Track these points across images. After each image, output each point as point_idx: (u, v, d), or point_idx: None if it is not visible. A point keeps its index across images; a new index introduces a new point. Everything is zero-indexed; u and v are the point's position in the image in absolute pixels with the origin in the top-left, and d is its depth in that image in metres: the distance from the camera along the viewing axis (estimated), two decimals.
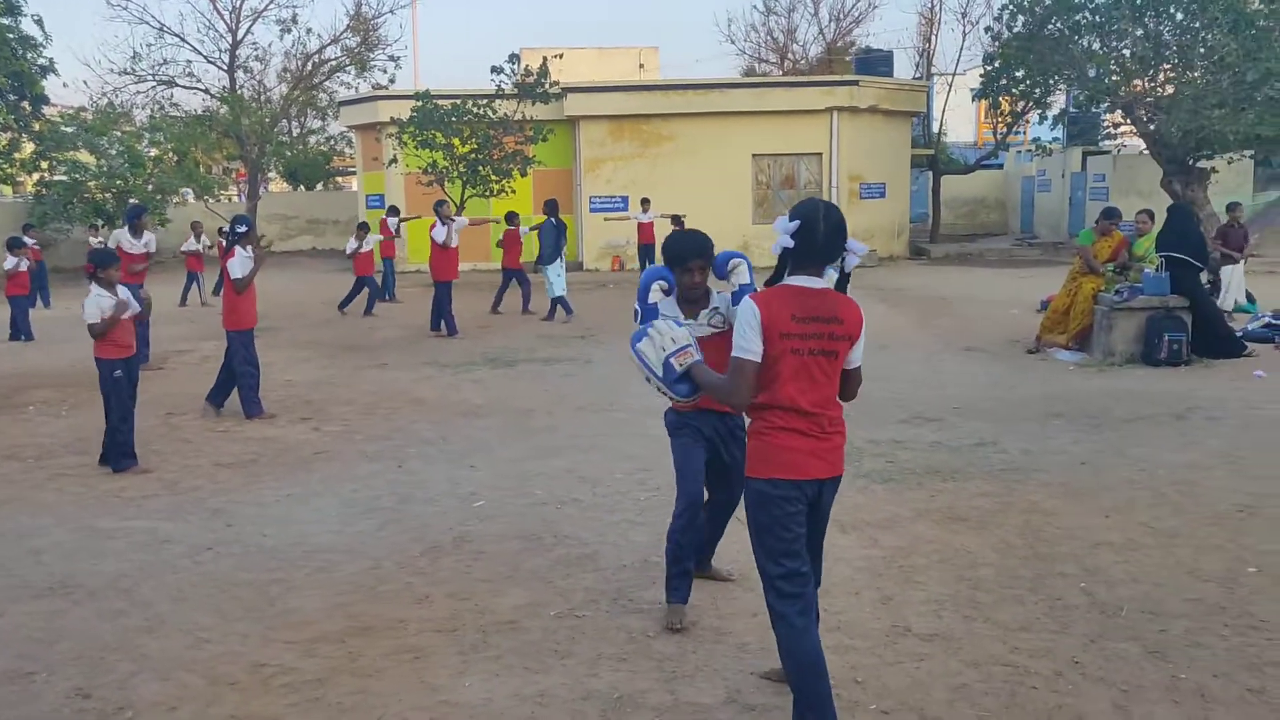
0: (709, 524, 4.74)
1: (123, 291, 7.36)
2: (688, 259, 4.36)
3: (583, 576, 5.10)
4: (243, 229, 8.83)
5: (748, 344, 3.30)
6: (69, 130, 26.67)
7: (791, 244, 3.32)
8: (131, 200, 22.64)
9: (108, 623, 4.66)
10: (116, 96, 33.70)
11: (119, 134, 28.76)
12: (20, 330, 14.36)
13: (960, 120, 36.77)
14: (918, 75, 35.14)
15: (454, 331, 13.94)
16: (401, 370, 11.36)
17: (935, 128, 33.05)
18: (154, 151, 29.30)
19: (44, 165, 25.55)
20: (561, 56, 23.01)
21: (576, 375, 10.87)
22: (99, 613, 4.78)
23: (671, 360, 3.76)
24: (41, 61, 22.38)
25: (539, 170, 24.18)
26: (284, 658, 4.25)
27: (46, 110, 24.07)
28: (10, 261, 14.48)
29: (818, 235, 3.31)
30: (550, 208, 15.67)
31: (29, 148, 24.07)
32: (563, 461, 7.30)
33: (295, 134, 38.56)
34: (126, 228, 11.62)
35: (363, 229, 17.34)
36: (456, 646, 4.32)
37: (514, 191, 21.87)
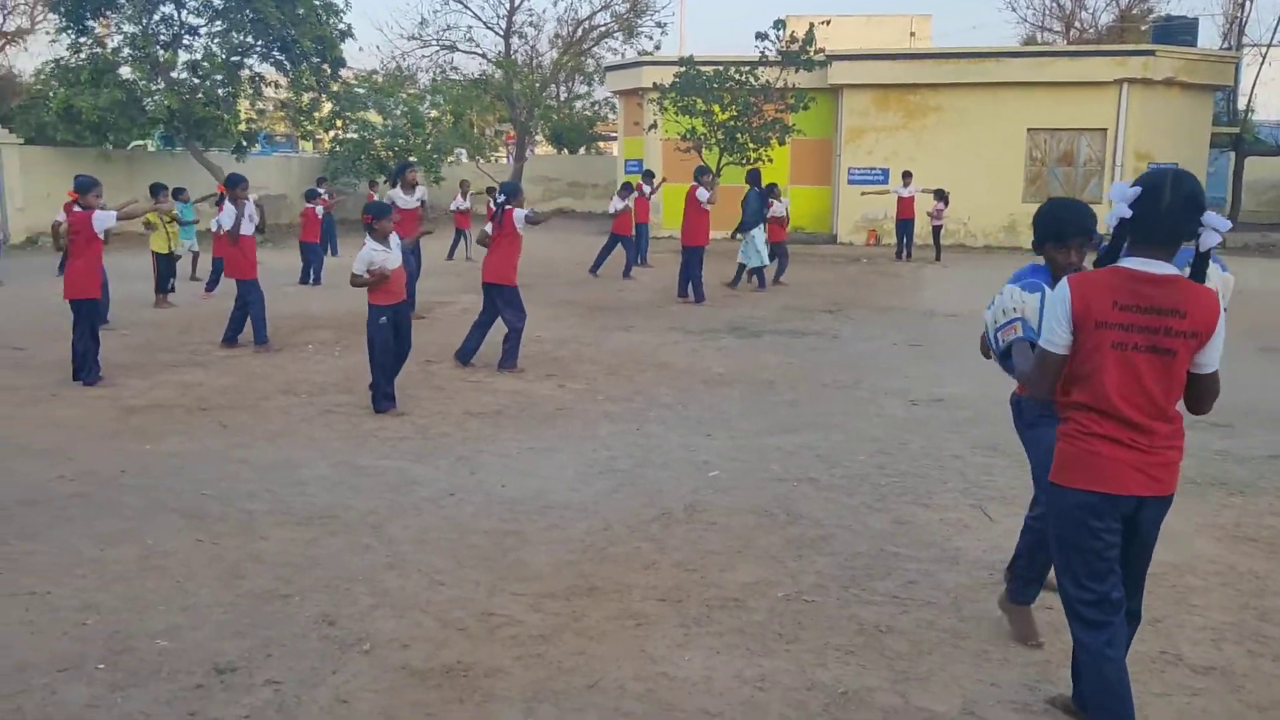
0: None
1: (394, 242, 7.75)
2: (1068, 236, 3.72)
3: (814, 559, 4.91)
4: (501, 198, 9.08)
5: (1051, 334, 2.94)
6: (361, 91, 28.67)
7: (1129, 214, 2.87)
8: (410, 158, 24.09)
9: (356, 556, 4.90)
10: (404, 60, 35.97)
11: (404, 95, 30.66)
12: (310, 274, 15.58)
13: (1273, 95, 33.11)
14: (1226, 45, 31.90)
15: (701, 299, 13.92)
16: (647, 334, 11.44)
17: (1242, 103, 29.94)
18: (433, 113, 30.99)
19: (339, 124, 27.57)
20: (829, 23, 22.46)
21: (822, 350, 10.57)
22: (349, 545, 5.03)
23: (998, 334, 3.46)
24: (341, 27, 24.02)
25: (797, 139, 23.79)
26: (511, 609, 4.31)
27: (343, 73, 25.84)
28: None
29: (1161, 206, 2.84)
30: (753, 177, 15.62)
31: (327, 107, 25.96)
32: (802, 438, 7.09)
33: (562, 99, 39.73)
34: (398, 185, 12.25)
35: (626, 190, 17.60)
36: (679, 618, 4.25)
37: (770, 160, 21.59)
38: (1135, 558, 3.09)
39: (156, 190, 12.64)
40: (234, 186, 10.22)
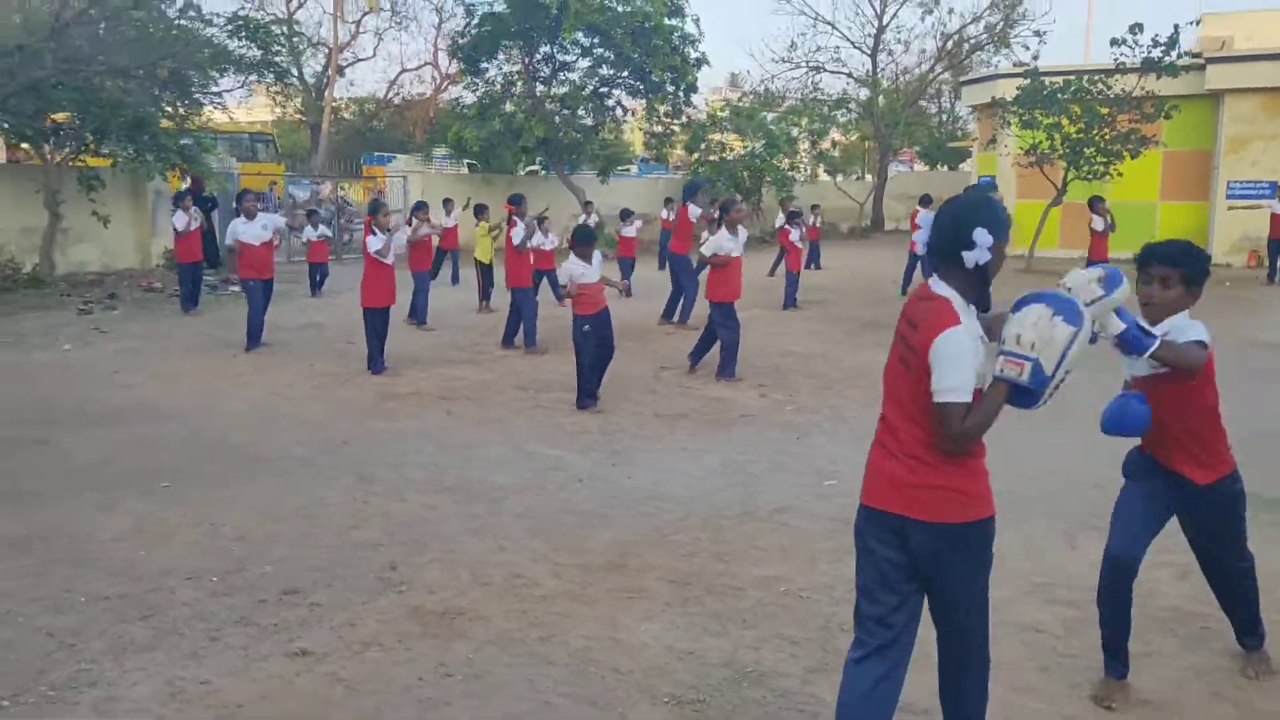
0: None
1: (596, 260, 8.60)
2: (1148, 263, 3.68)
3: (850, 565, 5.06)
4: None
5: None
6: (723, 115, 30.22)
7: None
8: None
9: (459, 521, 5.76)
10: (773, 82, 37.17)
11: (768, 115, 31.76)
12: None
13: None
14: None
15: None
16: None
17: None
18: (795, 132, 31.84)
19: (704, 146, 29.29)
20: (1198, 23, 20.57)
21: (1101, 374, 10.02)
22: (461, 512, 5.91)
23: (1002, 359, 2.89)
24: (696, 55, 25.55)
25: (1170, 152, 21.99)
26: (538, 574, 4.96)
27: (701, 98, 27.43)
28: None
29: (938, 225, 2.97)
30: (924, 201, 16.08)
31: (681, 131, 27.73)
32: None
33: (932, 114, 39.04)
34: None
35: (924, 201, 17.42)
36: (671, 597, 4.66)
37: (1119, 174, 20.13)
38: (935, 607, 3.00)
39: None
40: (517, 205, 11.65)
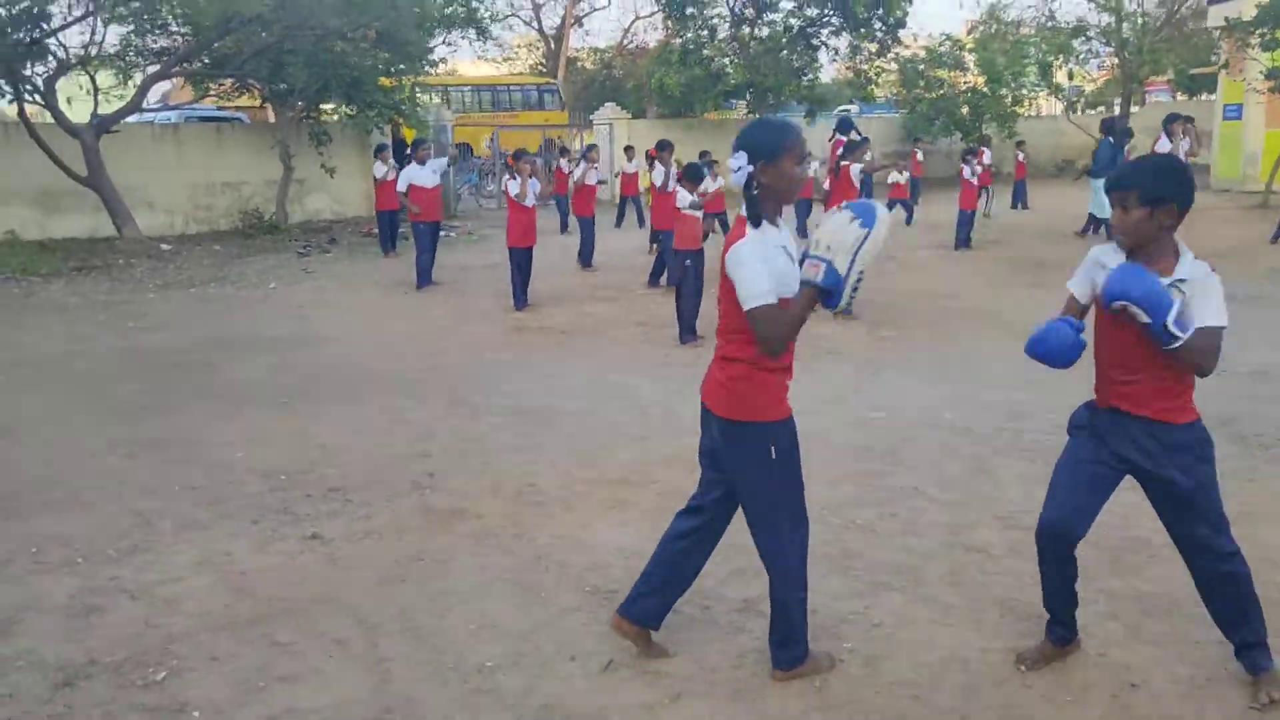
0: None
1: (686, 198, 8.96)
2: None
3: (842, 489, 5.29)
4: (840, 152, 9.71)
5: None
6: (942, 51, 29.15)
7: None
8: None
9: (512, 439, 6.37)
10: (1005, 14, 35.18)
11: (996, 48, 30.25)
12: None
13: None
14: None
15: None
16: (1049, 290, 11.07)
17: None
18: (1026, 63, 30.19)
19: (920, 83, 28.44)
20: None
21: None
22: (518, 432, 6.52)
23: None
24: None
25: None
26: (549, 484, 5.49)
27: (915, 33, 26.62)
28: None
29: None
30: (1106, 126, 15.25)
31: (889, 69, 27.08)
32: (1035, 394, 6.96)
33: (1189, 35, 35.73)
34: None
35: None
36: (652, 506, 5.06)
37: None
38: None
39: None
40: (662, 150, 12.08)
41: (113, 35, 17.97)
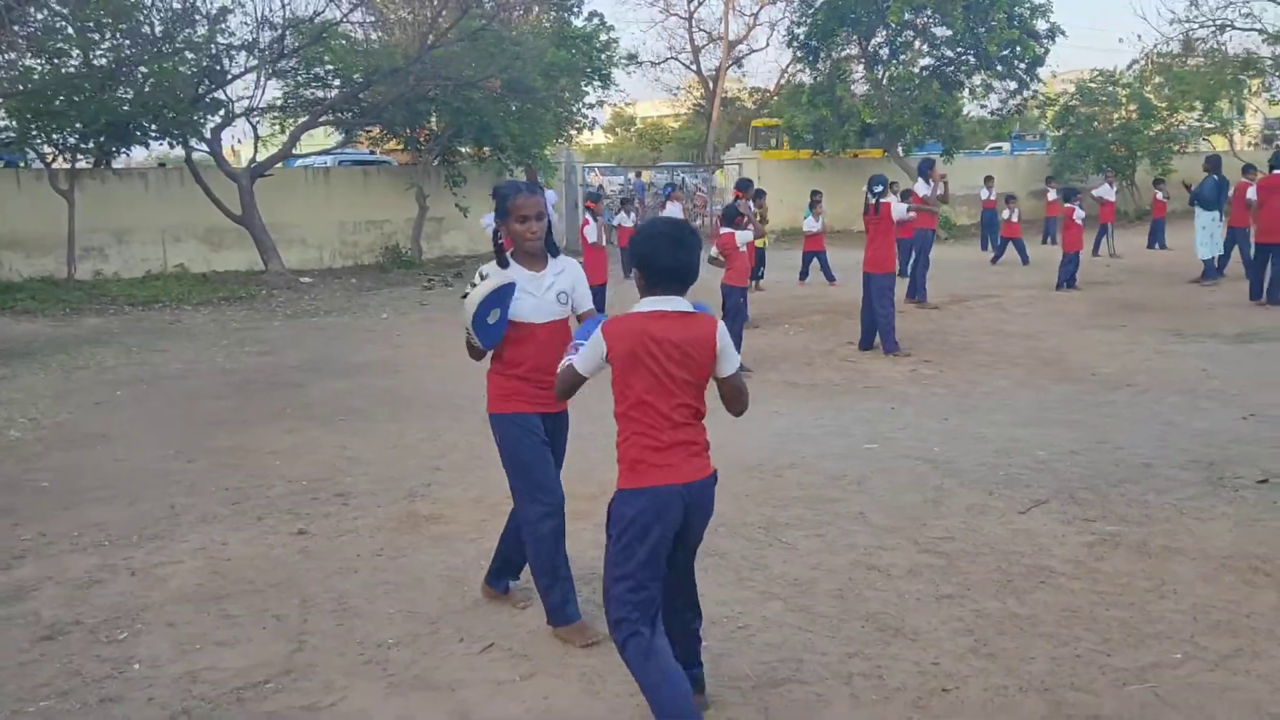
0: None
1: (743, 237, 9.33)
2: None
3: (792, 510, 5.60)
4: (879, 189, 9.90)
5: None
6: (1092, 87, 28.41)
7: None
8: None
9: None
10: (1167, 46, 33.87)
11: (1139, 84, 29.21)
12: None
13: None
14: None
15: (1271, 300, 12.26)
16: (1119, 333, 10.89)
17: None
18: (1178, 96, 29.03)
19: (1069, 120, 27.87)
20: None
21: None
22: None
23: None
24: (1045, 25, 24.35)
25: None
26: None
27: (1041, 72, 26.00)
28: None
29: None
30: (1212, 164, 14.41)
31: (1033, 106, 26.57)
32: (1038, 433, 7.03)
33: None
34: (919, 180, 13.24)
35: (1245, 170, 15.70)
36: None
37: None
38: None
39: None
40: (744, 190, 12.51)
41: (271, 88, 19.82)
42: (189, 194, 18.30)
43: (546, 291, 4.07)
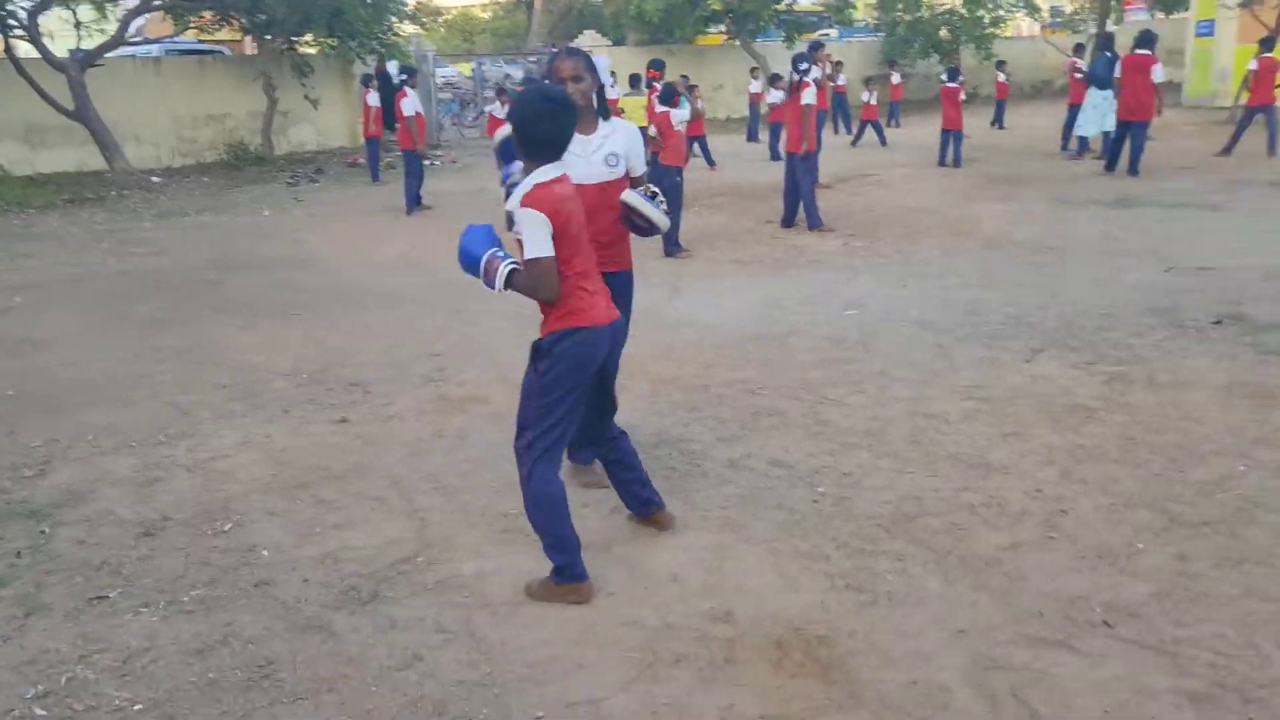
0: None
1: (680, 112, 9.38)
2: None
3: (801, 373, 5.85)
4: (804, 66, 10.10)
5: None
6: None
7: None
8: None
9: (513, 338, 6.88)
10: None
11: None
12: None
13: None
14: None
15: (1128, 170, 13.24)
16: (1011, 203, 11.60)
17: None
18: None
19: (898, 6, 28.71)
20: None
21: (1172, 223, 10.00)
22: (516, 332, 7.02)
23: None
24: None
25: None
26: None
27: None
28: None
29: None
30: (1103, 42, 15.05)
31: None
32: (993, 294, 7.50)
33: None
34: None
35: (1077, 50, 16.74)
36: (643, 392, 5.62)
37: None
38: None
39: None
40: (659, 70, 12.53)
41: None
42: (3, 89, 16.62)
43: (595, 153, 4.10)
